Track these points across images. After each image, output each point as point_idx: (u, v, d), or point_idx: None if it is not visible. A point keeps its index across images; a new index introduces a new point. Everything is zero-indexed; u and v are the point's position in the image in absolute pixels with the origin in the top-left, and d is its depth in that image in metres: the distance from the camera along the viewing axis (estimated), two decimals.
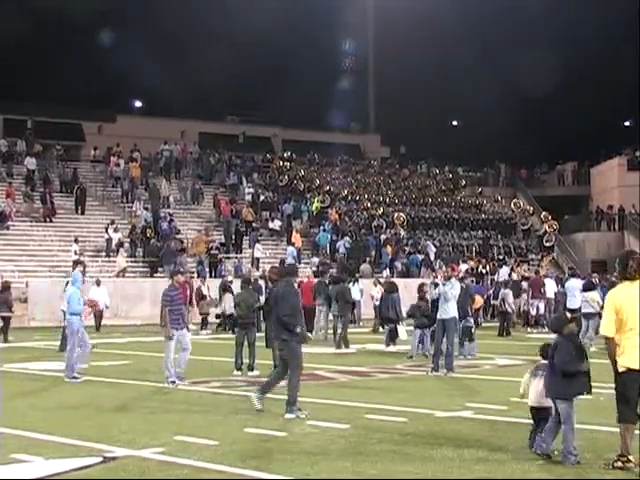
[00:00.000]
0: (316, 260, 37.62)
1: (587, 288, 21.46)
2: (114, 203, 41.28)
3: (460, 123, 68.24)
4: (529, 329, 28.05)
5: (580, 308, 21.62)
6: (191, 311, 22.07)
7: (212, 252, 36.18)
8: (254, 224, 41.04)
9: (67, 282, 26.65)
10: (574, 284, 23.26)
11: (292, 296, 11.49)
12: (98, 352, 16.27)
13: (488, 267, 38.83)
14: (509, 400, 12.03)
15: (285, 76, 60.71)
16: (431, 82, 60.88)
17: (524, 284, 29.71)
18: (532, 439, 8.70)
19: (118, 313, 30.50)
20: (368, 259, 38.72)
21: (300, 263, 38.03)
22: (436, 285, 16.97)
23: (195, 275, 31.72)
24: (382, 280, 30.64)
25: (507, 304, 26.48)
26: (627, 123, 63.08)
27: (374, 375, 16.17)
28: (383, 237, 41.75)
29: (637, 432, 8.25)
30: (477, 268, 38.06)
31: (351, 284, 25.70)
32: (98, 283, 26.43)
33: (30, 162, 41.39)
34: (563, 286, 26.77)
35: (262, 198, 44.49)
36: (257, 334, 16.86)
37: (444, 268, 26.59)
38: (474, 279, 29.04)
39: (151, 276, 34.69)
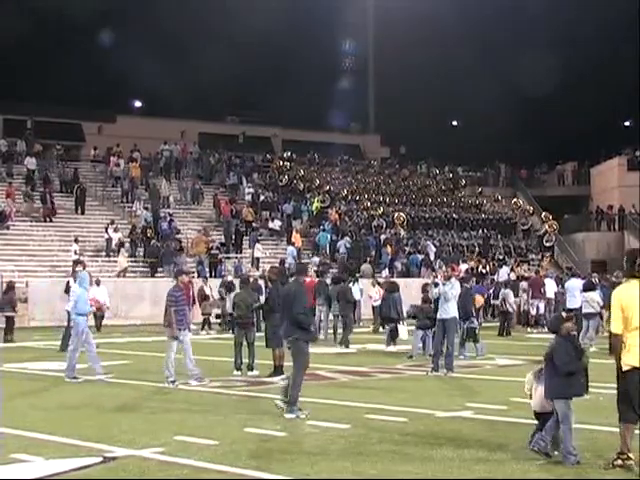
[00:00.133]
0: (317, 260, 37.62)
1: (587, 288, 21.46)
2: (114, 203, 41.29)
3: (460, 123, 68.25)
4: (529, 329, 28.05)
5: (580, 308, 21.61)
6: (192, 310, 22.05)
7: (212, 252, 36.19)
8: (254, 224, 41.04)
9: (68, 282, 26.77)
10: (574, 284, 23.24)
11: (305, 295, 11.59)
12: (98, 352, 16.26)
13: (488, 267, 38.85)
14: (509, 400, 12.04)
15: (285, 76, 60.73)
16: (431, 82, 60.87)
17: (524, 284, 29.69)
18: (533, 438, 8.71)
19: (118, 313, 30.50)
20: (368, 259, 38.73)
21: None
22: (436, 285, 16.97)
23: (195, 275, 31.71)
24: (381, 280, 30.66)
25: (508, 304, 26.49)
26: (627, 123, 63.09)
27: (374, 375, 16.17)
28: (383, 237, 41.75)
29: (637, 432, 8.25)
30: (477, 268, 38.07)
31: (351, 284, 25.71)
32: (98, 283, 26.41)
33: (30, 162, 41.39)
34: (563, 286, 26.77)
35: (262, 198, 44.50)
36: (257, 334, 16.88)
37: (444, 268, 26.59)
38: (475, 279, 29.08)
39: (152, 276, 34.70)
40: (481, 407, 11.65)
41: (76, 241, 34.19)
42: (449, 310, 15.97)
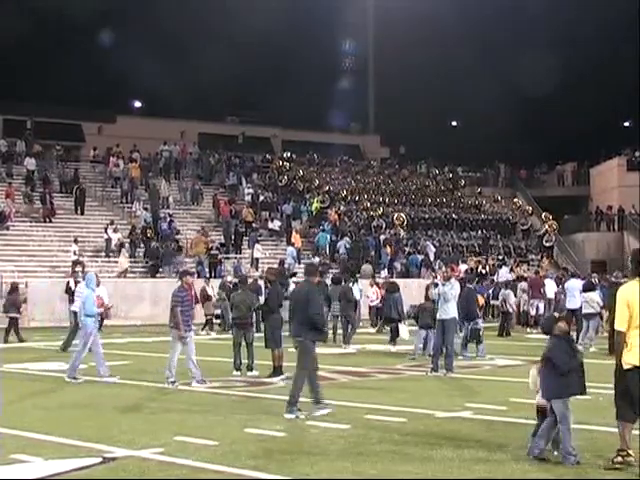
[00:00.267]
0: (317, 260, 37.61)
1: (587, 288, 21.45)
2: (114, 203, 41.29)
3: (460, 123, 68.25)
4: (529, 329, 28.04)
5: (580, 308, 21.62)
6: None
7: (212, 252, 36.19)
8: (254, 224, 41.04)
9: (68, 282, 26.78)
10: (574, 284, 23.24)
11: (319, 296, 11.66)
12: None
13: (488, 267, 38.85)
14: (509, 400, 12.05)
15: (285, 76, 60.73)
16: (431, 82, 60.87)
17: (523, 284, 29.67)
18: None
19: (118, 313, 30.44)
20: (367, 259, 38.74)
21: (300, 263, 38.05)
22: (436, 285, 16.98)
23: (195, 276, 31.67)
24: (380, 281, 30.70)
25: (508, 304, 26.49)
26: (627, 123, 63.08)
27: (374, 375, 16.18)
28: (382, 237, 41.75)
29: (637, 432, 8.26)
30: (477, 268, 38.06)
31: (351, 284, 25.69)
32: (98, 284, 26.38)
33: (30, 162, 41.38)
34: (563, 286, 26.77)
35: (262, 198, 44.49)
36: (256, 334, 16.87)
37: (444, 268, 26.59)
38: (476, 279, 29.10)
39: (152, 276, 34.71)
40: (481, 407, 11.65)
41: (76, 241, 34.20)
42: (449, 310, 15.97)
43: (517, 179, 57.98)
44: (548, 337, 8.79)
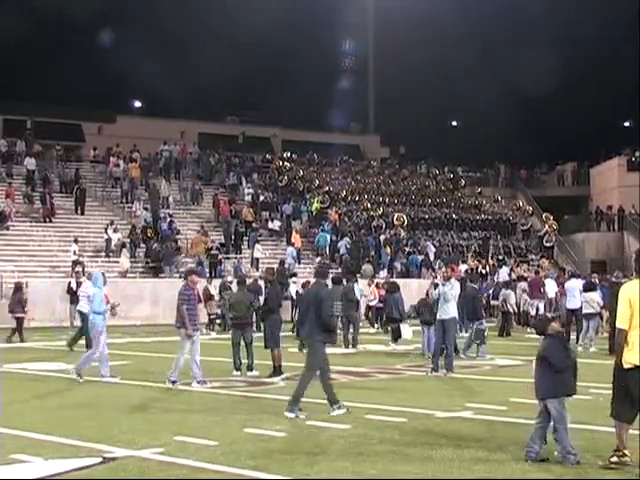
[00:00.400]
0: (317, 260, 37.62)
1: (587, 289, 21.45)
2: (114, 203, 41.29)
3: (460, 123, 68.26)
4: (529, 329, 28.01)
5: (580, 308, 21.61)
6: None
7: (212, 252, 36.18)
8: (254, 224, 41.03)
9: (69, 282, 26.79)
10: (574, 284, 23.24)
11: (330, 297, 11.66)
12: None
13: (488, 267, 38.85)
14: (509, 400, 12.04)
15: (285, 76, 60.72)
16: (431, 82, 60.87)
17: (522, 284, 29.66)
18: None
19: (118, 313, 30.40)
20: (367, 259, 38.73)
21: (300, 264, 38.08)
22: (436, 286, 16.98)
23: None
24: (380, 281, 30.68)
25: (509, 304, 26.48)
26: (627, 123, 63.12)
27: (374, 375, 16.18)
28: (383, 237, 41.74)
29: (636, 432, 8.25)
30: (477, 268, 38.06)
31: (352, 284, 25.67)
32: (105, 282, 26.36)
33: (30, 162, 41.37)
34: (562, 286, 26.76)
35: (262, 198, 44.50)
36: (255, 334, 16.86)
37: (444, 268, 26.59)
38: (476, 279, 29.02)
39: (154, 276, 34.72)
40: (481, 407, 11.65)
41: (76, 241, 34.19)
42: (449, 310, 15.97)
43: (517, 179, 58.00)
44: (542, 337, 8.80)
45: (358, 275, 31.61)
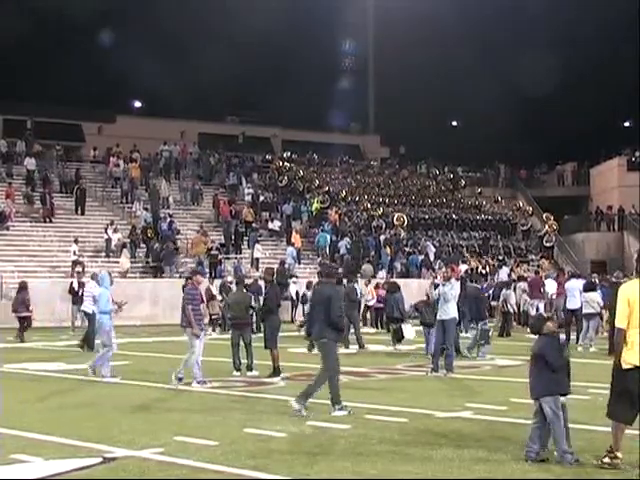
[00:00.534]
0: (317, 260, 37.64)
1: (587, 289, 21.45)
2: (114, 204, 41.29)
3: (460, 123, 68.27)
4: (529, 329, 27.99)
5: (580, 308, 21.61)
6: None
7: (212, 253, 36.18)
8: (254, 224, 41.03)
9: (71, 283, 26.78)
10: (574, 284, 23.24)
11: (340, 298, 11.73)
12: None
13: (488, 267, 38.85)
14: (509, 400, 12.04)
15: (285, 76, 60.72)
16: (431, 82, 60.87)
17: (522, 284, 29.65)
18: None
19: (118, 313, 30.44)
20: (367, 259, 38.74)
21: (300, 264, 38.09)
22: (436, 286, 16.97)
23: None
24: (380, 281, 30.69)
25: (509, 305, 26.49)
26: (627, 123, 63.13)
27: (374, 375, 16.18)
28: (383, 238, 41.74)
29: (636, 432, 8.25)
30: (477, 268, 38.07)
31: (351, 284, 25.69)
32: (111, 282, 26.32)
33: (30, 162, 41.38)
34: (562, 286, 26.75)
35: (262, 198, 44.50)
36: (255, 334, 16.85)
37: (444, 269, 26.59)
38: (476, 279, 29.08)
39: (156, 276, 34.72)
40: (481, 407, 11.65)
41: (76, 242, 34.19)
42: (449, 311, 15.96)
43: (517, 179, 58.00)
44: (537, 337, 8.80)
45: (358, 275, 31.66)
